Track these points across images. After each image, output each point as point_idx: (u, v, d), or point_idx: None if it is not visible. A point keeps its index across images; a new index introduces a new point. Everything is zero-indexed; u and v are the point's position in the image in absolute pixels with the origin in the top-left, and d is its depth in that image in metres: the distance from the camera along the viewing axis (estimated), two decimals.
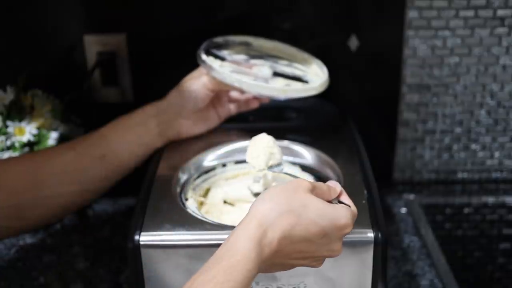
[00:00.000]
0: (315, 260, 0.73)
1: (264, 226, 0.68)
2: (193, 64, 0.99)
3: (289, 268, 0.73)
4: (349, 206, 0.75)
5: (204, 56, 0.98)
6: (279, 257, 0.70)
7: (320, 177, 0.93)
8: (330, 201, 0.75)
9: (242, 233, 0.68)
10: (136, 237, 0.78)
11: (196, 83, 0.98)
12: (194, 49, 1.00)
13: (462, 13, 1.14)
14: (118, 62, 1.17)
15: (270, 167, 0.88)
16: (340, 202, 0.75)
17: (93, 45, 1.16)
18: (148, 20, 1.16)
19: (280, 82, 0.99)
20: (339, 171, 0.90)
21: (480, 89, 1.20)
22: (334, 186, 0.77)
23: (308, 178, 0.94)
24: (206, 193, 0.94)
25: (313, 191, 0.73)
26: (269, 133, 0.96)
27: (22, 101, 1.09)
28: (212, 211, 0.90)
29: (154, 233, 0.79)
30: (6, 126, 1.07)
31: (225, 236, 0.76)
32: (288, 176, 0.93)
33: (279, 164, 0.89)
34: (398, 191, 1.24)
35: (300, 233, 0.69)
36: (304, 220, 0.70)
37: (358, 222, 0.78)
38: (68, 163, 0.93)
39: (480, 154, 1.25)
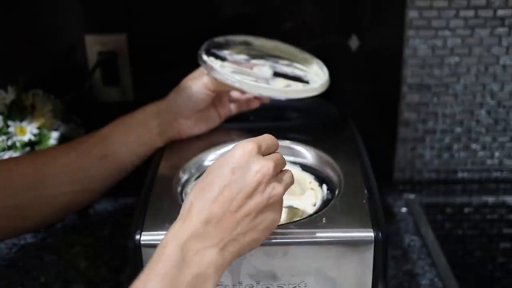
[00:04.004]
0: (260, 192, 0.71)
1: (183, 216, 0.70)
2: (194, 64, 0.99)
3: (256, 222, 0.71)
4: None
5: (205, 57, 0.98)
6: (220, 223, 0.69)
7: (321, 177, 0.93)
8: None
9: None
10: (137, 237, 0.78)
11: (197, 83, 0.98)
12: (195, 49, 1.00)
13: (462, 13, 1.14)
14: (119, 62, 1.18)
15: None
16: None
17: (93, 45, 1.16)
18: (148, 20, 1.16)
19: (281, 82, 0.99)
20: (340, 171, 0.91)
21: (480, 89, 1.20)
22: None
23: (309, 178, 0.94)
24: None
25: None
26: (269, 133, 0.96)
27: (23, 101, 1.09)
28: None
29: (155, 233, 0.78)
30: (7, 126, 1.07)
31: None
32: None
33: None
34: (398, 190, 1.24)
35: (211, 190, 0.70)
36: (208, 180, 0.71)
37: (358, 222, 0.79)
38: (69, 163, 0.93)
39: (480, 153, 1.25)
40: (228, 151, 0.73)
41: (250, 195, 0.70)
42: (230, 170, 0.71)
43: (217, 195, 0.70)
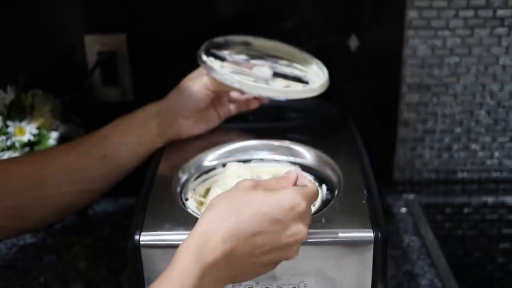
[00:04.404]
0: (282, 249, 0.71)
1: (207, 234, 0.67)
2: (193, 64, 0.99)
3: (263, 268, 0.72)
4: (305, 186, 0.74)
5: (204, 57, 0.98)
6: (237, 261, 0.69)
7: (320, 177, 0.93)
8: None
9: (181, 247, 0.67)
10: (136, 237, 0.78)
11: (197, 83, 0.98)
12: (194, 49, 1.00)
13: (462, 13, 1.14)
14: (119, 62, 1.18)
15: None
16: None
17: (93, 45, 1.16)
18: (148, 20, 1.16)
19: (280, 83, 0.99)
20: (339, 171, 0.91)
21: (480, 89, 1.20)
22: (287, 175, 0.76)
23: (308, 178, 0.94)
24: (206, 193, 0.94)
25: (256, 187, 0.72)
26: (269, 133, 0.96)
27: (23, 101, 1.09)
28: None
29: (154, 233, 0.79)
30: (7, 126, 1.07)
31: None
32: None
33: None
34: (398, 191, 1.24)
35: (246, 228, 0.68)
36: (247, 215, 0.69)
37: (358, 222, 0.79)
38: (68, 163, 0.93)
39: (480, 154, 1.25)
40: (281, 192, 0.71)
41: (273, 251, 0.71)
42: (272, 220, 0.69)
43: (248, 236, 0.69)
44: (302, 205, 0.71)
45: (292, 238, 0.71)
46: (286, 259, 0.73)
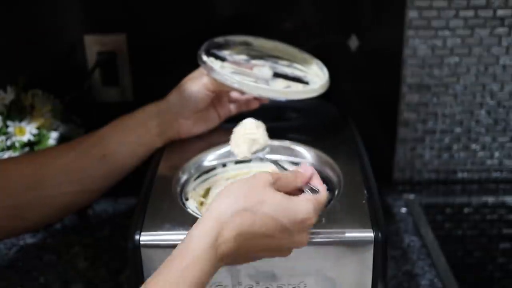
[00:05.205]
0: (280, 251, 0.74)
1: (220, 224, 0.69)
2: (194, 64, 0.99)
3: (255, 260, 0.74)
4: (318, 191, 0.76)
5: (204, 57, 0.98)
6: (240, 253, 0.71)
7: (320, 177, 0.93)
8: (299, 189, 0.76)
9: (197, 233, 0.69)
10: (136, 237, 0.78)
11: (197, 83, 0.97)
12: (195, 49, 1.00)
13: (462, 13, 1.14)
14: (118, 62, 1.18)
15: (255, 153, 0.88)
16: (312, 189, 0.76)
17: (93, 45, 1.16)
18: (148, 20, 1.16)
19: (281, 83, 0.99)
20: (339, 171, 0.91)
21: (480, 89, 1.20)
22: (304, 171, 0.79)
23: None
24: (206, 193, 0.94)
25: (274, 184, 0.74)
26: (269, 133, 0.96)
27: (23, 101, 1.09)
28: None
29: (154, 233, 0.79)
30: (7, 126, 1.07)
31: None
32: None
33: (263, 149, 0.89)
34: (398, 191, 1.24)
35: (258, 230, 0.70)
36: (261, 216, 0.70)
37: (358, 222, 0.79)
38: (68, 163, 0.93)
39: (480, 154, 1.25)
40: (297, 202, 0.73)
41: (273, 251, 0.74)
42: (283, 228, 0.72)
43: (257, 237, 0.71)
44: (313, 219, 0.74)
45: (293, 245, 0.74)
46: (279, 256, 0.75)
